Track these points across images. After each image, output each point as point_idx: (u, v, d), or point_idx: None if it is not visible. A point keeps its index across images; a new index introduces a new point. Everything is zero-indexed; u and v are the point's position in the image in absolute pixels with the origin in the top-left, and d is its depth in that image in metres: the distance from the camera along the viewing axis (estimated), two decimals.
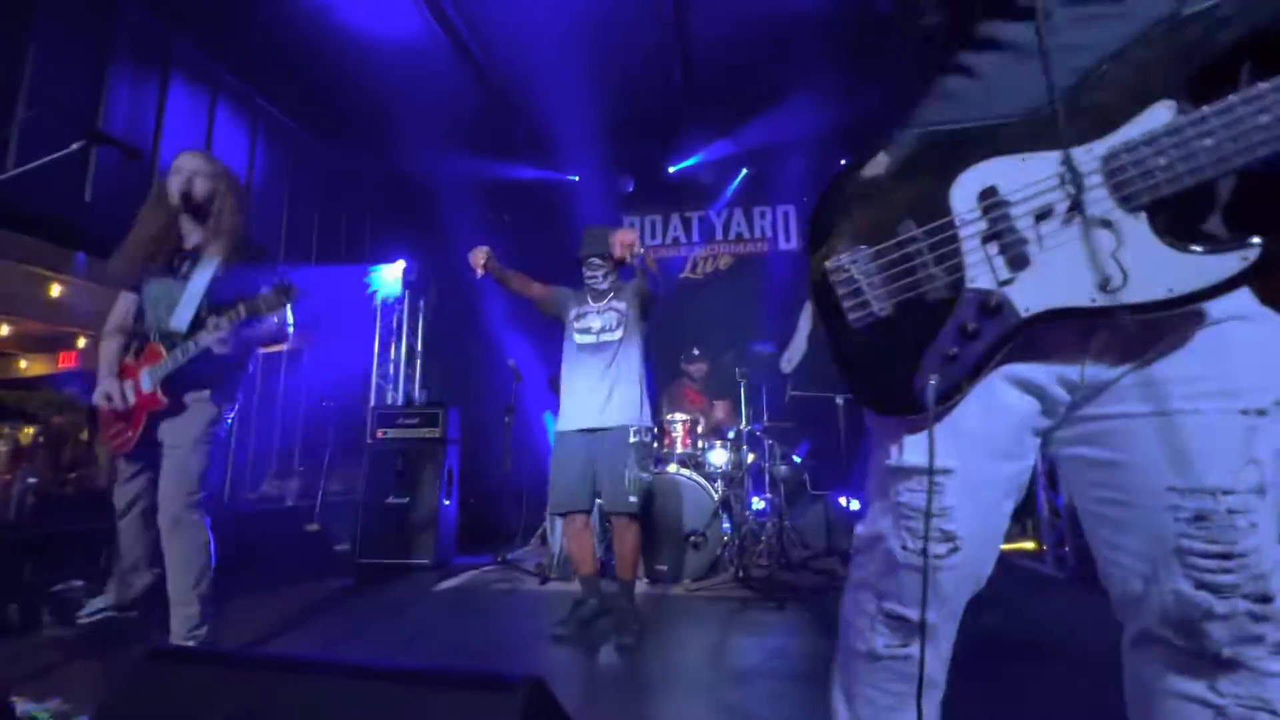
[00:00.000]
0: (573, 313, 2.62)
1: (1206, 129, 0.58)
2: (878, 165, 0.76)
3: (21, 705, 1.53)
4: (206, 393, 2.02)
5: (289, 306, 2.01)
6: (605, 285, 2.60)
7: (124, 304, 2.13)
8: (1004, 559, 3.97)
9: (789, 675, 1.96)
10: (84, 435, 4.63)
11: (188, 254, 2.03)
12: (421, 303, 5.60)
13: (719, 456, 3.75)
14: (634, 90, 4.81)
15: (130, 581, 2.11)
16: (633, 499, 2.38)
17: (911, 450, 0.75)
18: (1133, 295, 0.62)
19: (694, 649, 2.29)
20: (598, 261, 2.57)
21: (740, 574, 3.18)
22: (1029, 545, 4.44)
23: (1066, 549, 3.75)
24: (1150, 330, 0.65)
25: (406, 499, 3.84)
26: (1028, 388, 0.71)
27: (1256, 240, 0.59)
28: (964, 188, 0.70)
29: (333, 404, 5.03)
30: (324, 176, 5.17)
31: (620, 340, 2.51)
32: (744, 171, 5.86)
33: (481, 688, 0.81)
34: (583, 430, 2.47)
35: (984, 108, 0.70)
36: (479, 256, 2.48)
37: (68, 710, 1.56)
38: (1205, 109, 0.59)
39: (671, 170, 5.87)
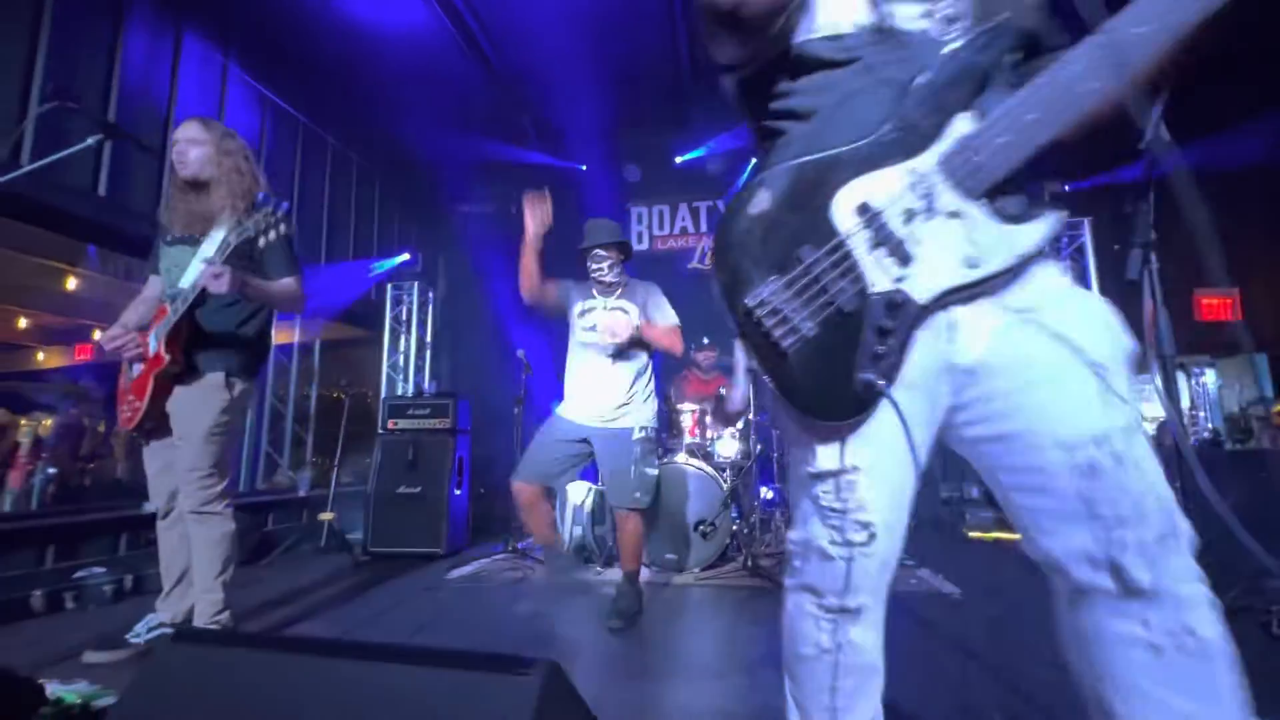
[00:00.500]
0: (577, 307, 2.59)
1: (998, 130, 0.75)
2: (761, 203, 0.83)
3: (50, 687, 1.57)
4: (220, 376, 1.94)
5: (287, 242, 1.91)
6: (611, 278, 2.57)
7: (148, 286, 2.13)
8: (1011, 549, 3.98)
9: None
10: (101, 426, 4.71)
11: (201, 219, 1.98)
12: (430, 294, 5.63)
13: (727, 446, 3.76)
14: (641, 79, 4.78)
15: (185, 594, 2.05)
16: (638, 495, 2.40)
17: (825, 458, 0.84)
18: (991, 266, 0.77)
19: (702, 637, 2.32)
20: (602, 253, 2.54)
21: (749, 563, 3.20)
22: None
23: None
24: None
25: (418, 489, 3.88)
26: (918, 387, 0.81)
27: (1052, 212, 0.77)
28: (841, 207, 0.81)
29: (345, 394, 5.07)
30: (333, 168, 5.19)
31: (630, 341, 2.49)
32: (754, 161, 5.84)
33: (500, 669, 0.83)
34: (585, 422, 2.47)
35: (823, 140, 0.82)
36: (540, 205, 2.31)
37: (95, 692, 1.60)
38: (992, 113, 0.76)
39: (678, 160, 5.85)
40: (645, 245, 6.15)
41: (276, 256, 1.97)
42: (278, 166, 4.66)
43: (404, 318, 5.45)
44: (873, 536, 0.83)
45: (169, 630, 2.02)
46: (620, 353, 2.49)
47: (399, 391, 5.26)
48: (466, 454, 4.17)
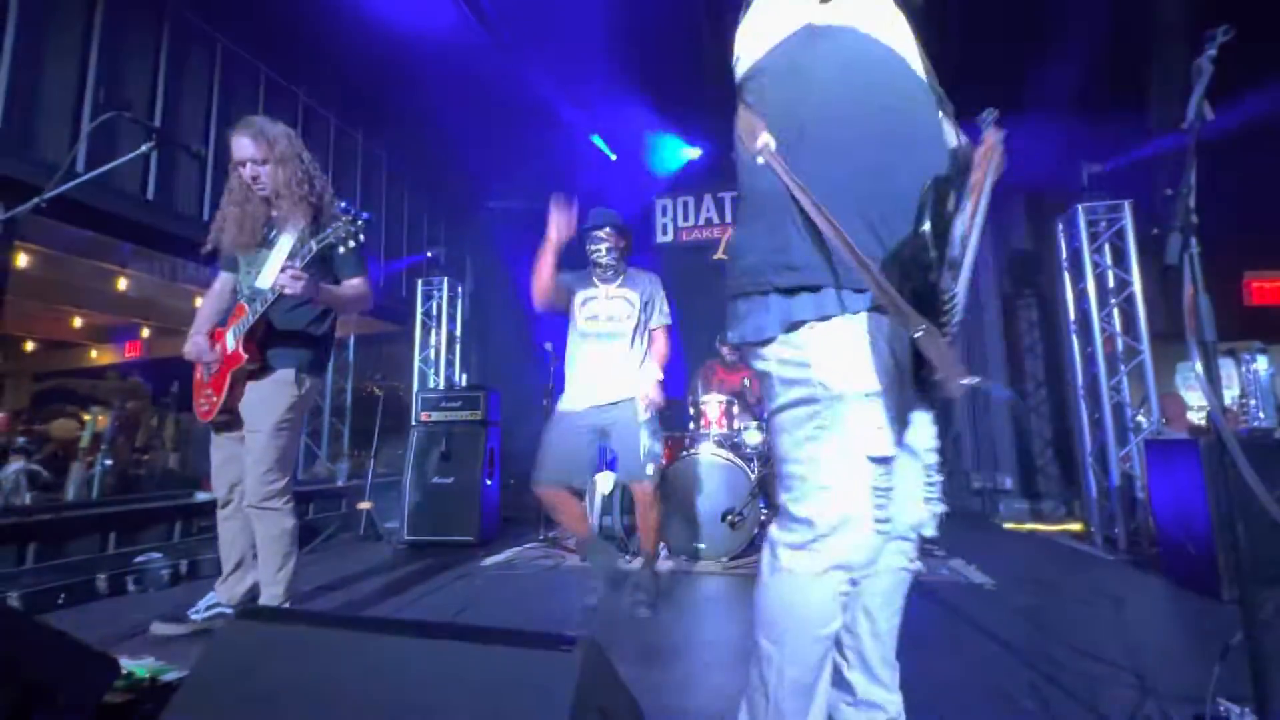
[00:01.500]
0: (579, 297, 2.57)
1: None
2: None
3: (121, 662, 1.68)
4: (290, 373, 2.01)
5: (360, 248, 1.97)
6: (609, 260, 2.55)
7: (220, 282, 2.23)
8: (1048, 541, 3.91)
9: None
10: (154, 420, 4.94)
11: (273, 221, 2.06)
12: (460, 289, 5.73)
13: (754, 437, 3.77)
14: (670, 69, 4.77)
15: (242, 579, 2.17)
16: (650, 468, 2.40)
17: (886, 444, 0.94)
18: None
19: (734, 623, 2.34)
20: (600, 235, 2.54)
21: None
22: (1075, 527, 4.34)
23: (1117, 530, 3.66)
24: None
25: (451, 479, 3.99)
26: None
27: None
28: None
29: (379, 388, 5.21)
30: (364, 169, 5.31)
31: (634, 328, 2.51)
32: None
33: (543, 645, 0.88)
34: (590, 407, 2.46)
35: None
36: (565, 213, 2.33)
37: (162, 667, 1.71)
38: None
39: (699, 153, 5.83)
40: (670, 237, 6.15)
41: (349, 260, 2.06)
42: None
43: (434, 312, 5.57)
44: (887, 521, 0.95)
45: (226, 611, 2.14)
46: (625, 345, 2.50)
47: (431, 385, 5.38)
48: (497, 445, 4.26)
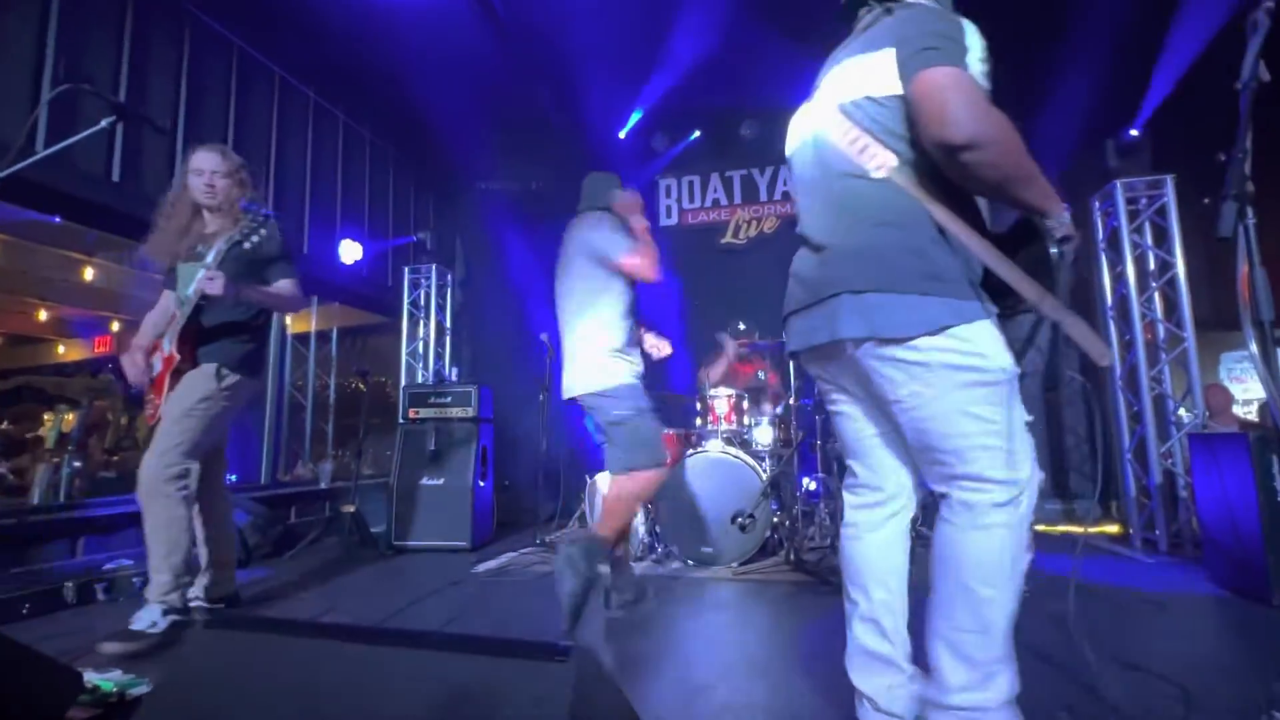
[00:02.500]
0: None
1: None
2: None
3: (86, 675, 1.67)
4: (212, 367, 2.23)
5: (286, 251, 2.26)
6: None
7: (165, 298, 2.44)
8: (1088, 544, 3.88)
9: (843, 657, 1.97)
10: (125, 419, 4.95)
11: (206, 237, 2.30)
12: (449, 277, 5.72)
13: (766, 434, 3.75)
14: (669, 44, 4.72)
15: (203, 573, 2.35)
16: (612, 470, 2.38)
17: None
18: None
19: (742, 632, 2.33)
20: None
21: (791, 557, 3.20)
22: (1112, 528, 4.31)
23: (1158, 532, 3.64)
24: None
25: (440, 480, 3.98)
26: None
27: None
28: None
29: (364, 383, 5.19)
30: (345, 146, 5.28)
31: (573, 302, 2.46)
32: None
33: (535, 656, 0.86)
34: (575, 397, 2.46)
35: None
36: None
37: (130, 680, 1.70)
38: None
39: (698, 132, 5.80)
40: (675, 219, 6.11)
41: (277, 263, 2.32)
42: (288, 146, 4.76)
43: (422, 302, 5.55)
44: None
45: (202, 604, 2.28)
46: (576, 310, 2.45)
47: (419, 380, 5.38)
48: (490, 443, 4.25)
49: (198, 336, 2.24)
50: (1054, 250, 1.15)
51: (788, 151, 1.57)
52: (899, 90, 1.20)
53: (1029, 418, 1.23)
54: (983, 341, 1.20)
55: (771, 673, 1.90)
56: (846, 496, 1.52)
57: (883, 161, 1.22)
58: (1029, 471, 1.22)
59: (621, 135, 5.82)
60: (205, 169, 2.26)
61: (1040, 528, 4.53)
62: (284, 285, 2.35)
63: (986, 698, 1.19)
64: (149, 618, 2.08)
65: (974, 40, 1.18)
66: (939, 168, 1.17)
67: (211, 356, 2.25)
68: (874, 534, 1.45)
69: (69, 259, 5.91)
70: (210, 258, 2.19)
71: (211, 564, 2.39)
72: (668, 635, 2.28)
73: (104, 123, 1.84)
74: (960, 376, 1.20)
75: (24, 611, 2.49)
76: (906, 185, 1.20)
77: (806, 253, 1.43)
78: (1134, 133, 3.86)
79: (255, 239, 2.22)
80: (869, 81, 1.25)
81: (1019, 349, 1.23)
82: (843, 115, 1.29)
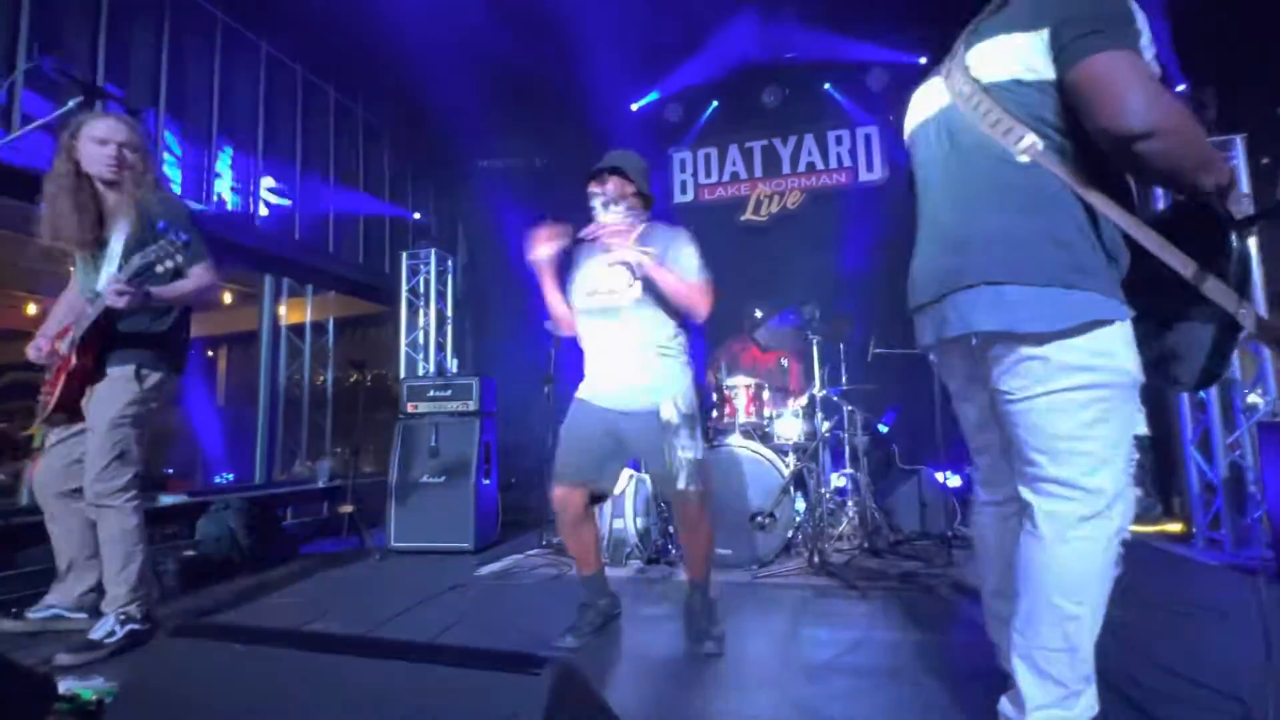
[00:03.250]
0: (578, 275, 2.39)
1: None
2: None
3: (65, 684, 1.72)
4: (129, 369, 2.22)
5: (188, 244, 2.15)
6: (616, 215, 2.30)
7: (73, 282, 2.46)
8: (1140, 544, 3.79)
9: (868, 671, 1.95)
10: None
11: (105, 219, 2.27)
12: (450, 262, 5.73)
13: (788, 427, 3.71)
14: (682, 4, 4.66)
15: (79, 579, 2.35)
16: (681, 483, 2.16)
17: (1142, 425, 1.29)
18: None
19: (760, 640, 2.32)
20: (595, 188, 2.30)
21: (815, 559, 3.17)
22: (1173, 527, 4.20)
23: (1224, 531, 3.54)
24: None
25: (441, 478, 4.01)
26: None
27: None
28: None
29: (363, 375, 5.26)
30: (336, 123, 5.31)
31: (636, 301, 2.23)
32: (827, 86, 5.61)
33: (510, 668, 0.85)
34: (605, 408, 2.28)
35: None
36: (546, 237, 2.29)
37: (111, 689, 1.74)
38: None
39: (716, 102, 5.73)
40: (690, 196, 6.06)
41: (192, 249, 2.22)
42: (276, 124, 4.80)
43: (421, 289, 5.58)
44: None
45: (63, 614, 2.31)
46: (630, 324, 2.25)
47: (419, 371, 5.42)
48: (494, 439, 4.27)
49: (108, 337, 2.22)
50: (1234, 241, 1.14)
51: (907, 130, 1.58)
52: (1052, 75, 1.20)
53: (1143, 431, 1.26)
54: (1113, 342, 1.22)
55: (788, 683, 1.89)
56: (975, 479, 1.65)
57: (1029, 145, 1.22)
58: (1121, 485, 1.25)
59: (635, 108, 5.78)
60: (112, 139, 2.19)
61: None
62: (197, 273, 2.29)
63: (1066, 717, 1.23)
64: (105, 627, 2.14)
65: (1142, 21, 1.16)
66: (1092, 155, 1.19)
67: (125, 359, 2.24)
68: (989, 531, 1.56)
69: (54, 248, 6.03)
70: (118, 255, 2.18)
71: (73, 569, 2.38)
72: (677, 643, 2.27)
73: (70, 104, 1.86)
74: (1076, 376, 1.22)
75: (12, 614, 2.56)
76: (1057, 170, 1.21)
77: (932, 239, 1.47)
78: (1180, 88, 3.72)
79: (170, 264, 2.13)
80: (1016, 63, 1.25)
81: (1198, 361, 1.24)
82: (984, 95, 1.29)
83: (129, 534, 2.20)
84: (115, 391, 2.21)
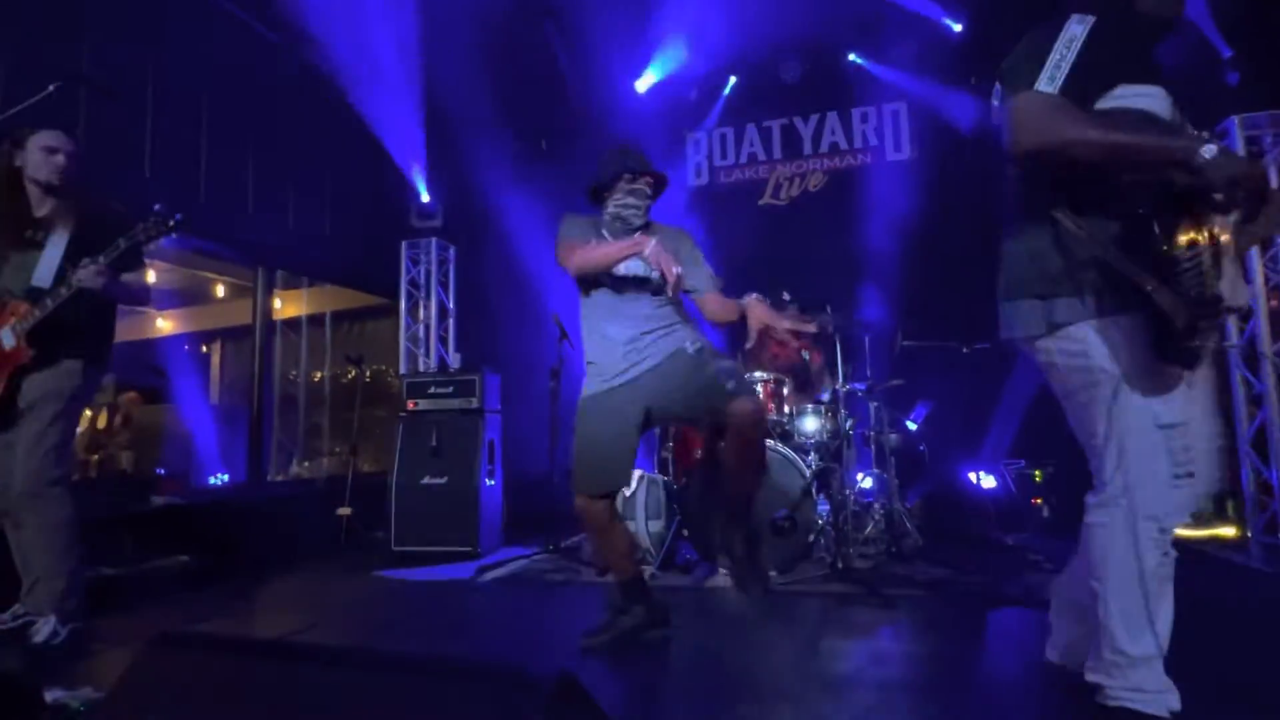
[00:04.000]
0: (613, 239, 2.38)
1: None
2: None
3: (54, 695, 1.76)
4: (77, 364, 2.36)
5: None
6: (642, 220, 2.39)
7: None
8: (1190, 550, 3.74)
9: (894, 684, 1.94)
10: (104, 417, 5.18)
11: (39, 222, 2.40)
12: (451, 252, 5.75)
13: (812, 424, 3.69)
14: None
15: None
16: (732, 386, 2.12)
17: (1174, 412, 1.40)
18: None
19: (778, 650, 2.32)
20: (644, 189, 2.35)
21: (839, 565, 3.16)
22: (1227, 531, 4.13)
23: None
24: None
25: (444, 479, 4.04)
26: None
27: None
28: None
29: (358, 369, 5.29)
30: (323, 105, 5.30)
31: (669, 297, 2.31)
32: (852, 56, 5.55)
33: (505, 681, 0.86)
34: (626, 384, 2.26)
35: None
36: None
37: (100, 698, 1.78)
38: None
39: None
40: (705, 179, 6.03)
41: (131, 254, 2.40)
42: (270, 109, 4.81)
43: (421, 281, 5.61)
44: (1191, 475, 1.40)
45: (33, 619, 2.33)
46: (664, 301, 2.31)
47: (420, 367, 5.45)
48: (498, 437, 4.29)
49: (48, 330, 2.32)
50: (1219, 199, 1.26)
51: None
52: None
53: (1166, 421, 1.38)
54: (1083, 342, 1.45)
55: (806, 696, 1.88)
56: None
57: (1014, 171, 1.58)
58: (1135, 475, 1.40)
59: (642, 88, 5.74)
60: (60, 148, 2.39)
61: None
62: (137, 276, 2.49)
63: (1110, 684, 1.45)
64: (48, 629, 2.24)
65: (1067, 30, 1.41)
66: (1062, 172, 1.45)
67: (70, 351, 2.37)
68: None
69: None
70: (61, 250, 2.36)
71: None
72: (690, 654, 2.27)
73: (50, 88, 1.89)
74: (1070, 376, 1.50)
75: None
76: (1034, 190, 1.52)
77: None
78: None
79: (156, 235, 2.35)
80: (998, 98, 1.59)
81: (1169, 340, 1.34)
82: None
83: (68, 524, 2.31)
84: (59, 383, 2.33)
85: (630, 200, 2.35)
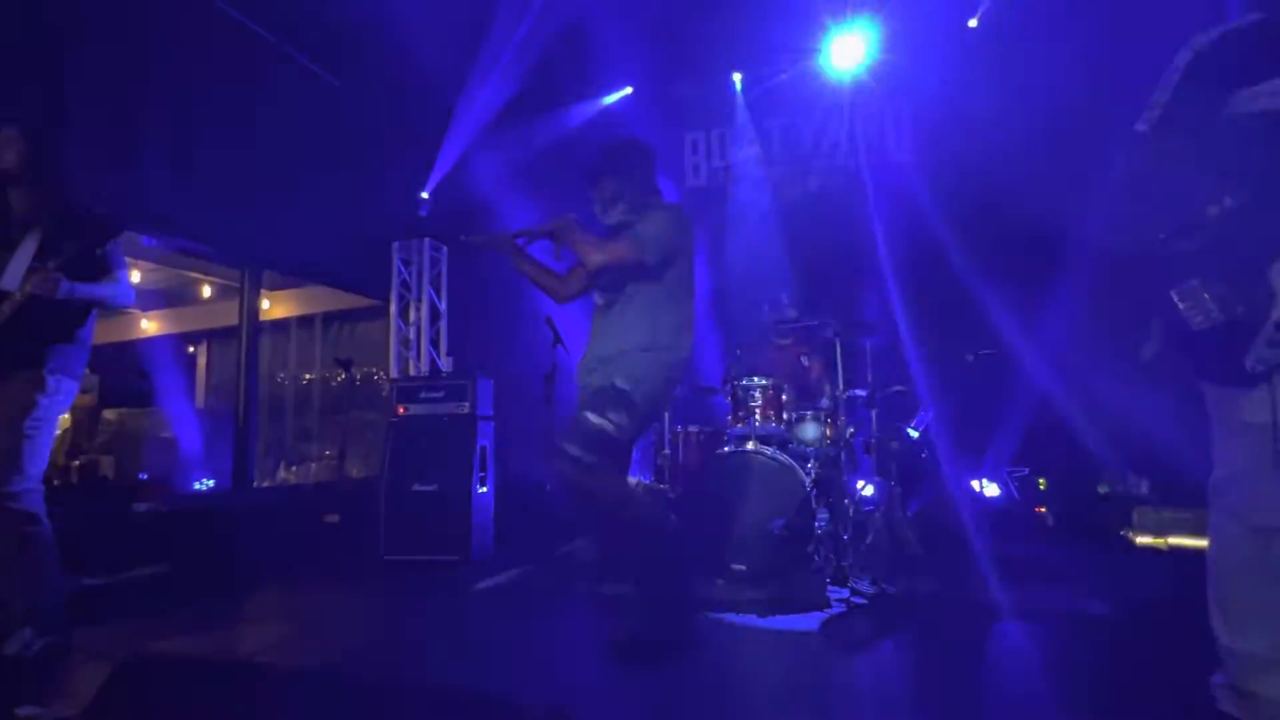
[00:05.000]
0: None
1: None
2: None
3: (27, 712, 1.72)
4: (39, 372, 2.30)
5: (113, 251, 2.37)
6: (618, 218, 2.40)
7: None
8: (1196, 561, 3.72)
9: (894, 704, 1.92)
10: (86, 419, 5.13)
11: (13, 220, 2.36)
12: (444, 252, 5.73)
13: (812, 430, 3.66)
14: None
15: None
16: (563, 440, 2.25)
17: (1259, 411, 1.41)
18: None
19: (775, 664, 2.29)
20: (593, 195, 2.44)
21: (838, 575, 3.14)
22: None
23: None
24: None
25: (434, 486, 4.01)
26: None
27: None
28: None
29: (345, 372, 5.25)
30: (314, 99, 5.27)
31: (628, 294, 2.36)
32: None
33: (493, 713, 0.83)
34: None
35: None
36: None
37: (73, 716, 1.75)
38: None
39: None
40: (702, 180, 6.01)
41: (106, 256, 2.40)
42: (254, 108, 4.78)
43: (413, 282, 5.58)
44: None
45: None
46: (618, 311, 2.37)
47: (411, 370, 5.42)
48: (490, 443, 4.26)
49: (14, 336, 2.27)
50: None
51: None
52: None
53: (1248, 419, 1.42)
54: None
55: (796, 714, 1.86)
56: None
57: None
58: (1222, 472, 1.53)
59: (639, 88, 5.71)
60: (13, 136, 2.35)
61: (1147, 540, 4.37)
62: (118, 278, 2.46)
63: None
64: (22, 639, 2.21)
65: None
66: None
67: (35, 359, 2.32)
68: None
69: None
70: (30, 246, 2.30)
71: None
72: (685, 668, 2.25)
73: None
74: None
75: None
76: None
77: None
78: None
79: (108, 246, 2.35)
80: None
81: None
82: None
83: (43, 535, 2.28)
84: (28, 392, 2.29)
85: (591, 193, 2.45)
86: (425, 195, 5.59)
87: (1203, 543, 4.15)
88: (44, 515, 2.31)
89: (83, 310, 2.44)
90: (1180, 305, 1.42)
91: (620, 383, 2.26)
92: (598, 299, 2.48)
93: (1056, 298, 4.80)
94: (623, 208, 2.38)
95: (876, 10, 5.07)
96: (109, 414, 5.16)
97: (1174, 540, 4.36)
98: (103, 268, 2.42)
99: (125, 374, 6.00)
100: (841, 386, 3.67)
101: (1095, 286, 5.05)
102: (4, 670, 2.14)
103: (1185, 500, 4.76)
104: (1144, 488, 4.83)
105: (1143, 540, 4.36)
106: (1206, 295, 1.40)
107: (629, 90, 5.88)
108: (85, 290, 2.34)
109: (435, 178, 5.76)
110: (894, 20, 5.11)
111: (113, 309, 2.52)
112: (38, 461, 2.32)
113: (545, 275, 2.61)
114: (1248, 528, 1.41)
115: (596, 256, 2.30)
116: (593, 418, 2.23)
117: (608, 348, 2.37)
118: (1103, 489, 4.87)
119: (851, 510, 3.60)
